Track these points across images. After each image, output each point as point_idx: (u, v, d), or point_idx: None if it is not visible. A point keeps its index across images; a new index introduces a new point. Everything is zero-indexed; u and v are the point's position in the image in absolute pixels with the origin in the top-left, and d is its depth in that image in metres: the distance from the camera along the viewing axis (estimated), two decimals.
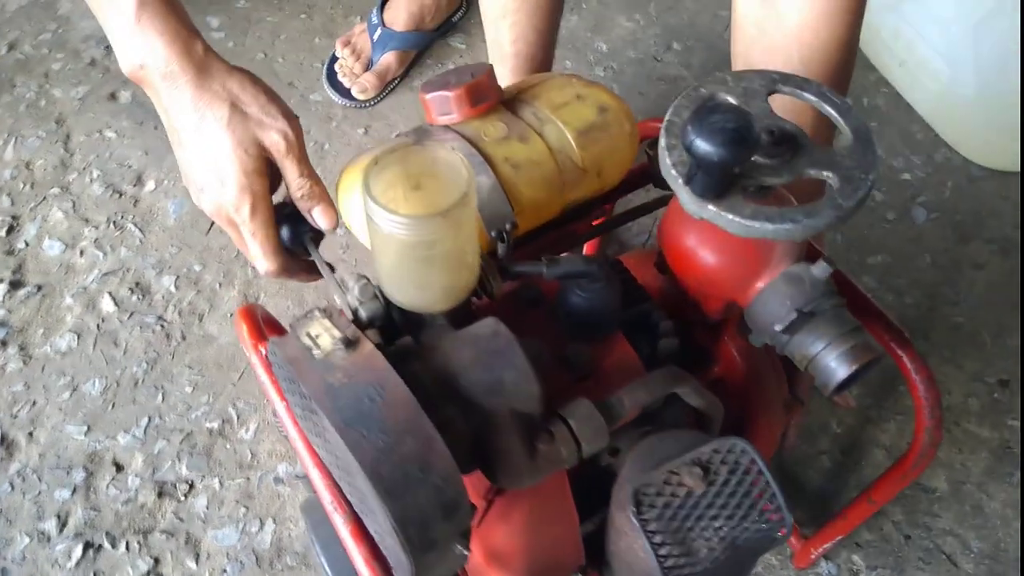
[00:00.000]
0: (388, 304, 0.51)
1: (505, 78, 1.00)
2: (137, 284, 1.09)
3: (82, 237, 1.12)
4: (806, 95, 0.57)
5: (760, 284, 0.60)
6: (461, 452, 0.46)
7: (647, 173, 0.67)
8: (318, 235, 0.65)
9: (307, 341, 0.49)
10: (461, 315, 0.52)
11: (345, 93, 1.26)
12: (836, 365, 0.56)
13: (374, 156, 0.47)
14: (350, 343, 0.46)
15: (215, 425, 0.98)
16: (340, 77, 1.27)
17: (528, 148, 0.58)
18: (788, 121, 0.54)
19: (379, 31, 1.27)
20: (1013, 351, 1.05)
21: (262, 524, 0.91)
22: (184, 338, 1.04)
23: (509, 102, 0.62)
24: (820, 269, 0.57)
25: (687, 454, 0.55)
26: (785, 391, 0.77)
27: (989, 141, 1.19)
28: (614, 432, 0.59)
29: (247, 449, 0.96)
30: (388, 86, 1.28)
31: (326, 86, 1.28)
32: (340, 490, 0.56)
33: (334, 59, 1.29)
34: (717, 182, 0.49)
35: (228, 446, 0.97)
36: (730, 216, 0.51)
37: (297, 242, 0.64)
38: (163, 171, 1.19)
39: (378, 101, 1.27)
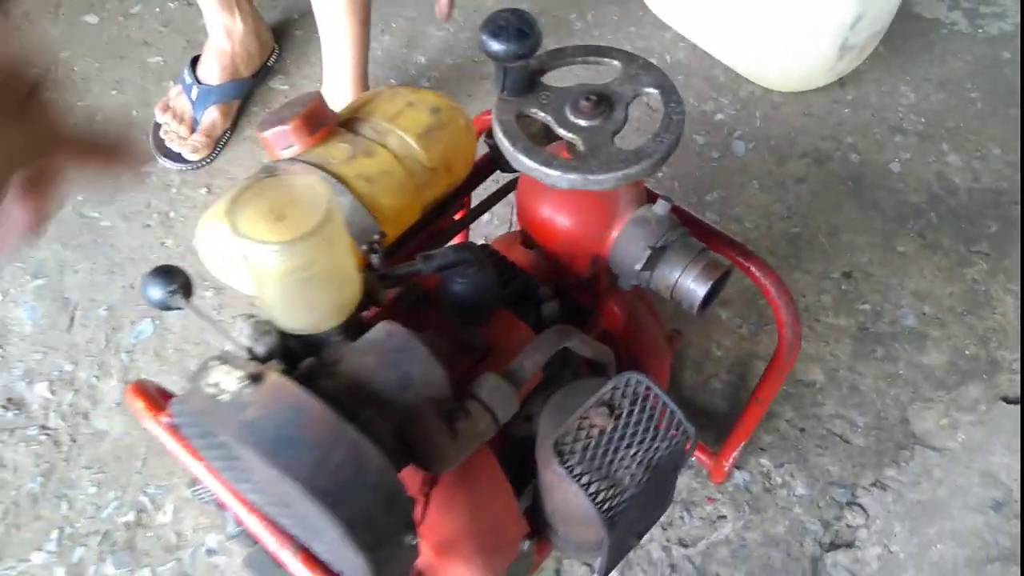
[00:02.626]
0: (283, 335, 0.53)
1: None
2: (9, 400, 1.04)
3: None
4: (612, 61, 0.64)
5: (614, 233, 0.66)
6: (388, 450, 0.49)
7: (492, 161, 0.71)
8: (188, 291, 0.65)
9: (211, 390, 0.50)
10: (354, 328, 0.54)
11: (177, 158, 1.25)
12: (695, 286, 0.63)
13: (231, 196, 0.49)
14: (255, 377, 0.48)
15: (130, 517, 0.95)
16: (168, 143, 1.25)
17: (376, 161, 0.61)
18: (601, 84, 0.61)
19: (195, 89, 1.26)
20: (849, 246, 1.17)
21: None
22: (74, 440, 1.01)
23: (346, 123, 0.64)
24: (660, 207, 0.64)
25: (591, 398, 0.60)
26: (664, 326, 0.83)
27: (782, 68, 1.32)
28: (524, 400, 0.64)
29: (170, 532, 0.94)
30: (219, 141, 1.27)
31: (157, 155, 1.25)
32: (279, 527, 0.57)
33: (157, 127, 1.27)
34: (519, 78, 0.60)
35: (150, 534, 0.94)
36: (557, 173, 0.57)
37: (169, 300, 0.64)
38: (5, 280, 1.13)
39: (213, 158, 1.26)
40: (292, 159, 0.64)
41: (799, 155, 1.28)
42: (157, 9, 1.45)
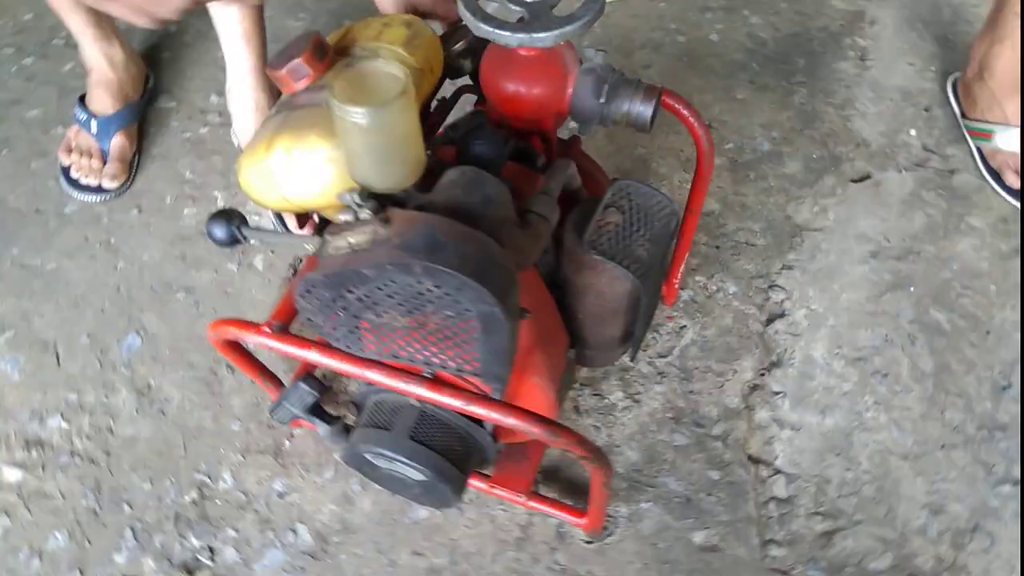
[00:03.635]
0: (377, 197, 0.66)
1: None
2: (27, 443, 1.07)
3: None
4: None
5: (569, 89, 0.83)
6: None
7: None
8: (246, 223, 0.77)
9: (345, 248, 0.63)
10: (422, 188, 0.69)
11: (96, 190, 1.29)
12: (643, 108, 0.82)
13: (333, 84, 0.61)
14: (385, 220, 0.62)
15: (193, 495, 1.03)
16: (83, 180, 1.29)
17: None
18: None
19: (94, 123, 1.31)
20: (701, 105, 1.41)
21: (295, 531, 1.00)
22: (108, 453, 1.06)
23: (339, 51, 0.78)
24: (599, 56, 0.82)
25: (599, 206, 0.77)
26: (599, 167, 1.02)
27: None
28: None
29: (236, 493, 1.03)
30: (132, 165, 1.33)
31: (75, 194, 1.29)
32: (406, 363, 0.71)
33: (66, 170, 1.31)
34: None
35: (218, 501, 1.02)
36: (508, 33, 0.72)
37: (236, 234, 0.75)
38: None
39: (131, 181, 1.32)
40: (307, 89, 0.76)
41: (639, 47, 1.51)
42: (14, 68, 1.47)
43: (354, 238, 0.64)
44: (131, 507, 1.02)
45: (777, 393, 1.09)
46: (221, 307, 1.18)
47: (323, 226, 0.89)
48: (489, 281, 0.61)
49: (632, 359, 0.86)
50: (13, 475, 1.04)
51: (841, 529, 0.99)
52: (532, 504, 0.97)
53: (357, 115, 0.60)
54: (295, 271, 1.21)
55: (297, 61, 0.74)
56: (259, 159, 0.75)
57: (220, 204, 1.29)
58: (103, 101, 1.32)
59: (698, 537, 0.99)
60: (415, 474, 0.82)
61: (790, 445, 1.05)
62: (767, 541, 0.99)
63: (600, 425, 1.06)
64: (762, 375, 1.11)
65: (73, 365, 1.13)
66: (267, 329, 0.76)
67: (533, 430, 0.70)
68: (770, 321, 1.16)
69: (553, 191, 0.73)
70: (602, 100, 0.82)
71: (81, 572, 0.97)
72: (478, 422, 0.83)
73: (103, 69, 1.32)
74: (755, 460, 1.04)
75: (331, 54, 0.77)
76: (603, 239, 0.76)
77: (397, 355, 0.71)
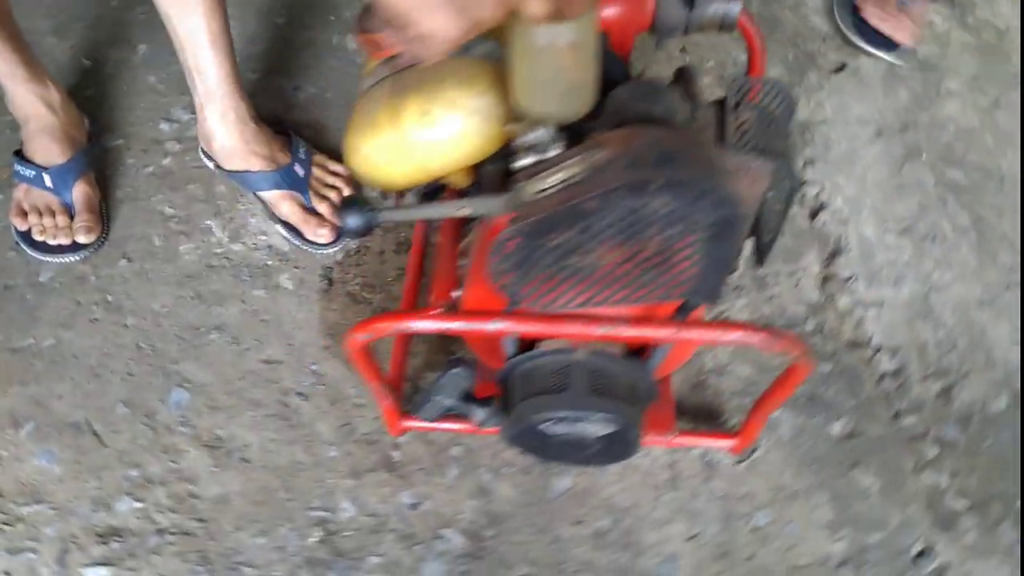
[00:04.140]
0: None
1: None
2: (100, 536, 0.93)
3: None
4: None
5: (649, 4, 0.81)
6: None
7: None
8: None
9: (553, 187, 0.58)
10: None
11: (71, 249, 1.14)
12: (732, 4, 0.81)
13: (525, 6, 0.55)
14: (598, 145, 0.57)
15: (318, 534, 0.93)
16: (52, 241, 1.13)
17: None
18: None
19: (46, 176, 1.14)
20: None
21: (443, 537, 0.92)
22: (202, 520, 0.94)
23: None
24: None
25: (728, 107, 0.76)
26: None
27: None
28: None
29: (361, 518, 0.94)
30: (102, 214, 1.18)
31: (46, 259, 1.13)
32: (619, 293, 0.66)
33: (25, 235, 1.14)
34: None
35: (346, 532, 0.93)
36: None
37: (372, 219, 0.68)
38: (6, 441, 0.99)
39: (108, 232, 1.17)
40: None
41: None
42: None
43: (562, 174, 0.59)
44: (252, 567, 0.91)
45: (849, 278, 1.12)
46: (264, 336, 1.07)
47: (433, 194, 0.83)
48: (723, 185, 0.58)
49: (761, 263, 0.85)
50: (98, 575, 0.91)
51: (954, 384, 1.03)
52: (679, 441, 0.95)
53: (561, 33, 0.55)
54: (329, 281, 1.12)
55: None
56: (384, 131, 0.68)
57: (216, 233, 1.17)
58: (50, 150, 1.16)
59: (835, 428, 1.00)
60: (600, 429, 0.78)
61: (879, 322, 1.08)
62: (895, 414, 1.01)
63: (703, 348, 1.05)
64: (828, 265, 1.13)
65: (120, 440, 1.00)
66: (436, 311, 0.69)
67: (754, 340, 0.68)
68: (814, 215, 1.19)
69: (700, 97, 0.71)
70: (688, 9, 0.80)
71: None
72: (639, 364, 0.80)
73: (42, 115, 1.15)
74: (854, 344, 1.06)
75: None
76: (746, 137, 0.74)
77: (592, 301, 0.67)
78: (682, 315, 0.71)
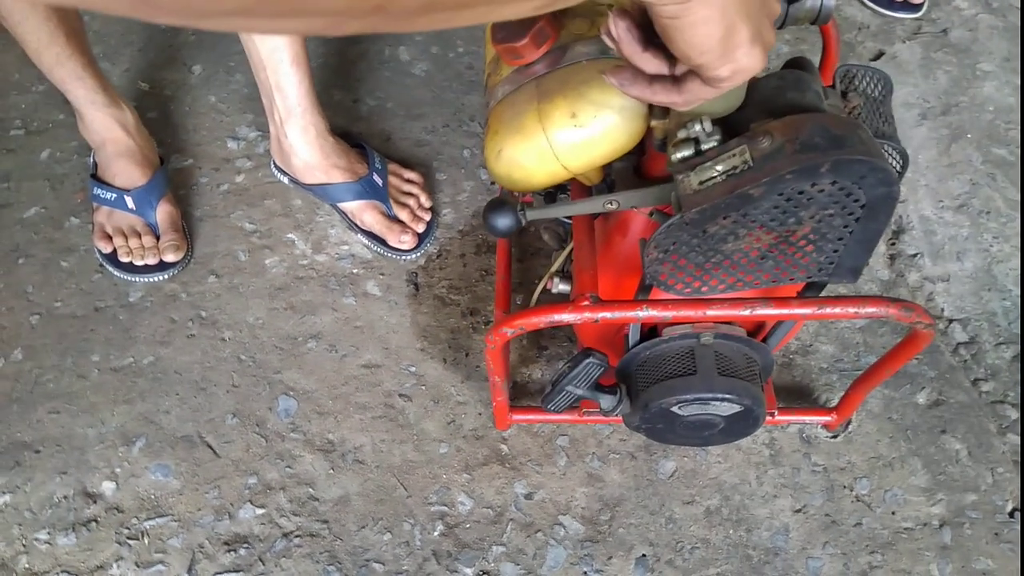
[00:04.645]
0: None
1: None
2: (227, 543, 0.96)
3: (113, 562, 0.93)
4: None
5: None
6: None
7: None
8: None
9: (717, 177, 0.62)
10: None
11: (158, 268, 1.16)
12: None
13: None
14: (765, 133, 0.61)
15: (439, 529, 0.96)
16: (139, 262, 1.16)
17: None
18: None
19: (128, 198, 1.17)
20: None
21: (562, 524, 0.96)
22: (325, 521, 0.97)
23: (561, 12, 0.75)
24: None
25: (849, 76, 0.80)
26: None
27: None
28: None
29: (481, 510, 0.97)
30: (185, 232, 1.20)
31: (135, 279, 1.15)
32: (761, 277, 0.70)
33: (111, 256, 1.16)
34: None
35: (467, 525, 0.96)
36: None
37: (520, 217, 0.72)
38: (101, 467, 1.00)
39: (193, 250, 1.19)
40: (548, 54, 0.73)
41: None
42: None
43: (724, 165, 0.62)
44: (382, 564, 0.94)
45: (915, 255, 1.17)
46: (360, 342, 1.10)
47: (552, 197, 0.86)
48: (886, 164, 0.62)
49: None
50: None
51: None
52: (780, 418, 0.99)
53: None
54: (416, 286, 1.15)
55: (539, 26, 0.71)
56: (532, 136, 0.71)
57: (299, 245, 1.20)
58: (130, 173, 1.18)
59: (921, 398, 1.04)
60: (728, 409, 0.82)
61: (948, 295, 1.13)
62: (974, 381, 1.06)
63: None
64: (893, 244, 1.18)
65: (234, 449, 1.02)
66: (586, 303, 0.73)
67: (892, 311, 0.72)
68: None
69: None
70: (787, 1, 0.84)
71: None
72: (759, 343, 0.84)
73: (119, 138, 1.17)
74: None
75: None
76: (858, 121, 0.79)
77: (737, 285, 0.71)
78: (813, 294, 0.75)
